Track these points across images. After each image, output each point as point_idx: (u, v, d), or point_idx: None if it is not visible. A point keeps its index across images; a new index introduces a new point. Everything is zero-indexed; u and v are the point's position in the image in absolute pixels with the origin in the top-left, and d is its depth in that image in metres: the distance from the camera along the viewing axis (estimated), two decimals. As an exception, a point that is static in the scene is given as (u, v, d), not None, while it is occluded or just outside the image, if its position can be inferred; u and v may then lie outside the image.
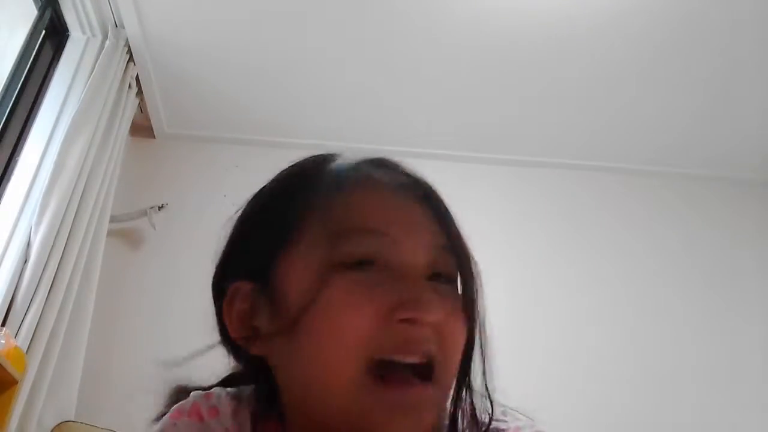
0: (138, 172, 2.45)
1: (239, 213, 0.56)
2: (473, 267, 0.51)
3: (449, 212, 0.52)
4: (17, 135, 1.88)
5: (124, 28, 2.13)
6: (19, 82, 1.91)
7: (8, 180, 1.78)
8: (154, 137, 2.57)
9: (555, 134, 2.54)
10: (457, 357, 0.47)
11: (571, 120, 2.46)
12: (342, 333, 0.43)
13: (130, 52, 2.18)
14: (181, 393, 0.56)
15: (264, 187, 0.56)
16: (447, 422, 0.48)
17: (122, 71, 2.13)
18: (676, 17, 2.01)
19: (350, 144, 2.55)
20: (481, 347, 0.50)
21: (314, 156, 0.56)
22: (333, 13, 2.07)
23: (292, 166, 0.56)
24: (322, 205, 0.49)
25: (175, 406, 0.53)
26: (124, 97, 2.15)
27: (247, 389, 0.54)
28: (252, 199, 0.56)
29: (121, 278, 2.23)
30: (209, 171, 2.53)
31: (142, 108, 2.43)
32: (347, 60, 2.25)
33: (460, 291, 0.50)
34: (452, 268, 0.50)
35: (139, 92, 2.34)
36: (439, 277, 0.48)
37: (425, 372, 0.44)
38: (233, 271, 0.53)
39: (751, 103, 2.34)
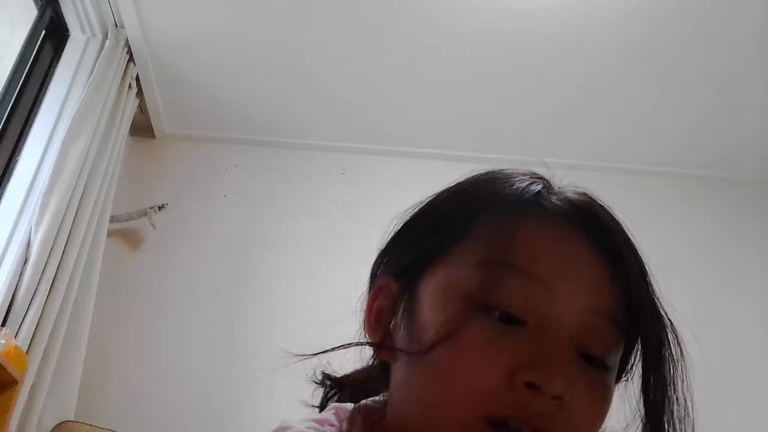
0: (138, 172, 2.45)
1: (415, 207, 0.52)
2: (667, 340, 0.42)
3: (635, 264, 0.44)
4: (17, 135, 1.88)
5: (124, 28, 2.13)
6: (19, 82, 1.91)
7: (8, 180, 1.78)
8: (154, 137, 2.57)
9: (557, 135, 2.53)
10: None
11: (573, 121, 2.47)
12: (464, 380, 0.40)
13: (130, 52, 2.18)
14: (326, 380, 0.55)
15: (444, 189, 0.53)
16: None
17: (122, 71, 2.13)
18: (678, 20, 2.01)
19: (349, 144, 2.56)
20: None
21: (500, 170, 0.52)
22: (333, 14, 2.07)
23: (475, 175, 0.52)
24: (489, 225, 0.44)
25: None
26: (124, 97, 2.15)
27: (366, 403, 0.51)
28: (430, 198, 0.53)
29: (121, 278, 2.23)
30: (209, 171, 2.53)
31: (142, 108, 2.44)
32: (347, 60, 2.25)
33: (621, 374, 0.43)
34: (608, 346, 0.42)
35: (139, 92, 2.34)
36: (589, 357, 0.41)
37: None
38: (389, 263, 0.51)
39: (754, 105, 2.34)
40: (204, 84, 2.38)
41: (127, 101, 2.19)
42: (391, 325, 0.47)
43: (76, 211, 1.80)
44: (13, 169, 1.81)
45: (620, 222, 0.46)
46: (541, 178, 0.50)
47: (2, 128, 1.82)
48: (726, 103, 2.33)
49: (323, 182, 2.52)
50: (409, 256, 0.48)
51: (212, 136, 2.59)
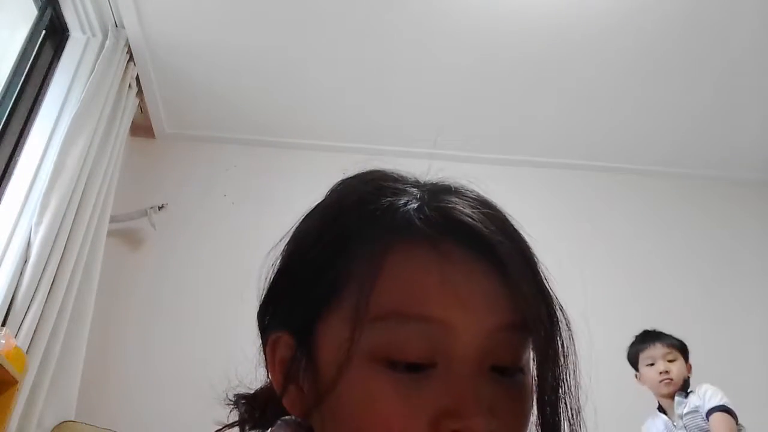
0: (138, 172, 2.45)
1: (286, 243, 0.48)
2: (557, 330, 0.42)
3: (525, 262, 0.42)
4: (17, 135, 1.88)
5: (124, 28, 2.13)
6: (19, 82, 1.91)
7: (8, 180, 1.78)
8: (154, 137, 2.57)
9: (561, 135, 2.54)
10: None
11: (577, 122, 2.47)
12: None
13: (130, 52, 2.18)
14: (241, 400, 0.54)
15: (313, 212, 0.48)
16: None
17: (122, 71, 2.13)
18: (675, 23, 2.02)
19: (349, 144, 2.56)
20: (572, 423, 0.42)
21: (369, 176, 0.48)
22: (333, 15, 2.07)
23: (345, 190, 0.48)
24: (368, 268, 0.40)
25: None
26: (124, 97, 2.15)
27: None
28: (299, 229, 0.48)
29: (121, 278, 2.23)
30: (209, 171, 2.53)
31: (142, 108, 2.44)
32: (347, 61, 2.25)
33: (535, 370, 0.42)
34: (517, 352, 0.41)
35: (139, 92, 2.34)
36: (501, 369, 0.41)
37: None
38: (275, 315, 0.48)
39: (752, 106, 2.34)
40: (204, 84, 2.38)
41: (127, 101, 2.19)
42: (297, 379, 0.44)
43: (76, 211, 1.80)
44: (13, 168, 1.81)
45: (498, 217, 0.44)
46: (417, 185, 0.46)
47: (2, 128, 1.82)
48: (724, 104, 2.34)
49: (323, 182, 2.51)
50: (295, 309, 0.45)
51: (212, 136, 2.59)
